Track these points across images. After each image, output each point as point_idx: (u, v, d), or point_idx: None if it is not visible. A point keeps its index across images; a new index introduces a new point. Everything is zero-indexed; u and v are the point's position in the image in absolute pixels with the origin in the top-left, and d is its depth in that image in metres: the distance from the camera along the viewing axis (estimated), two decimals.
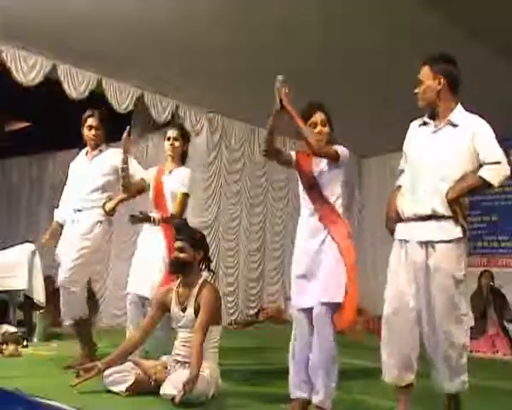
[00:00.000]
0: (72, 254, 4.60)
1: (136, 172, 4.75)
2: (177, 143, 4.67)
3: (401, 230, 3.23)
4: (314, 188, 3.65)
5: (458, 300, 3.07)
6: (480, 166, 3.07)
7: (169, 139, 4.68)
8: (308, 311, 3.50)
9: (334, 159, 3.55)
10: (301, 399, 3.46)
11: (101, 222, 4.70)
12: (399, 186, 3.41)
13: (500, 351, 7.02)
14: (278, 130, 3.56)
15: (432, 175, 3.12)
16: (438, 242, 3.07)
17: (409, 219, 3.18)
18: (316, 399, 3.37)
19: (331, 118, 3.71)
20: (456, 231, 3.08)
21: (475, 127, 3.10)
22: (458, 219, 3.08)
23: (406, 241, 3.17)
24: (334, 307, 3.37)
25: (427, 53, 3.25)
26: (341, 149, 3.59)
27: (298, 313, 3.54)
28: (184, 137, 4.75)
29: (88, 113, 4.86)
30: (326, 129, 3.65)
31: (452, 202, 3.06)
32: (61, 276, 4.60)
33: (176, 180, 4.58)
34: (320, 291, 3.41)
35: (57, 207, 5.03)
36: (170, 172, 4.65)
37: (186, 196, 4.58)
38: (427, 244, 3.10)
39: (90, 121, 4.83)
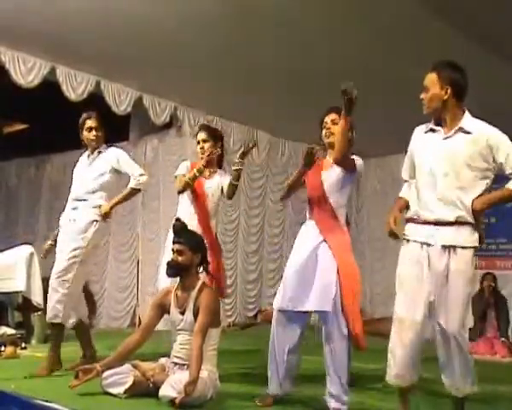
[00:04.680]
0: (65, 254, 4.59)
1: (129, 168, 4.78)
2: (207, 145, 4.56)
3: (419, 231, 3.19)
4: (319, 194, 3.70)
5: (468, 305, 3.11)
6: (499, 175, 3.12)
7: (199, 143, 4.58)
8: (297, 314, 3.64)
9: (351, 168, 3.62)
10: None
11: (96, 221, 4.67)
12: (401, 198, 3.42)
13: (498, 353, 7.03)
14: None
15: (450, 183, 3.10)
16: (460, 247, 3.08)
17: (430, 223, 3.16)
18: None
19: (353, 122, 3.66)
20: (475, 239, 3.11)
21: (491, 136, 3.09)
22: (479, 228, 3.11)
23: (428, 244, 3.14)
24: (329, 313, 3.49)
25: (427, 55, 3.24)
26: (359, 162, 3.67)
27: (282, 314, 3.68)
28: (214, 137, 4.65)
29: (86, 115, 4.83)
30: (336, 127, 3.65)
31: (478, 212, 3.09)
32: (53, 274, 4.59)
33: (218, 185, 4.55)
34: (313, 299, 3.54)
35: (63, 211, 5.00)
36: (209, 175, 4.58)
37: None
38: (449, 249, 3.09)
39: (90, 123, 4.80)
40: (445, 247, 3.09)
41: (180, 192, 4.52)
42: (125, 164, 4.80)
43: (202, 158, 4.48)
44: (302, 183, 3.84)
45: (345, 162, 3.59)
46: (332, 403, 3.53)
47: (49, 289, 4.63)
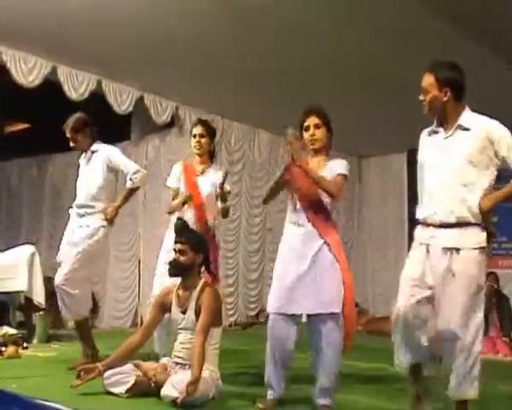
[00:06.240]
0: (71, 258, 4.64)
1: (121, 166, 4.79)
2: (203, 140, 4.55)
3: (423, 234, 3.20)
4: (313, 197, 3.64)
5: (477, 307, 3.07)
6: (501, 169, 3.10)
7: (195, 136, 4.54)
8: (295, 317, 3.58)
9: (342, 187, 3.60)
10: None
11: (104, 227, 4.73)
12: None
13: (500, 352, 7.03)
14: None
15: (452, 182, 3.09)
16: (463, 248, 3.05)
17: (432, 225, 3.15)
18: None
19: (329, 120, 3.68)
20: (481, 239, 3.08)
21: (491, 130, 3.08)
22: (488, 227, 3.09)
23: (429, 245, 3.14)
24: (335, 316, 3.46)
25: (427, 55, 3.24)
26: (345, 168, 3.62)
27: (280, 317, 3.56)
28: (210, 133, 4.63)
29: (64, 125, 4.82)
30: (319, 132, 3.64)
31: (486, 212, 3.07)
32: (58, 278, 4.64)
33: (213, 182, 4.49)
34: (320, 301, 3.47)
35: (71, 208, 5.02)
36: (202, 172, 4.56)
37: (229, 193, 4.55)
38: (451, 250, 3.08)
39: (67, 134, 4.83)
40: (446, 249, 3.08)
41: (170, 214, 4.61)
42: (117, 162, 4.81)
43: (197, 153, 4.55)
44: (285, 185, 3.80)
45: (338, 194, 3.59)
46: (322, 400, 3.53)
47: (58, 292, 4.66)
